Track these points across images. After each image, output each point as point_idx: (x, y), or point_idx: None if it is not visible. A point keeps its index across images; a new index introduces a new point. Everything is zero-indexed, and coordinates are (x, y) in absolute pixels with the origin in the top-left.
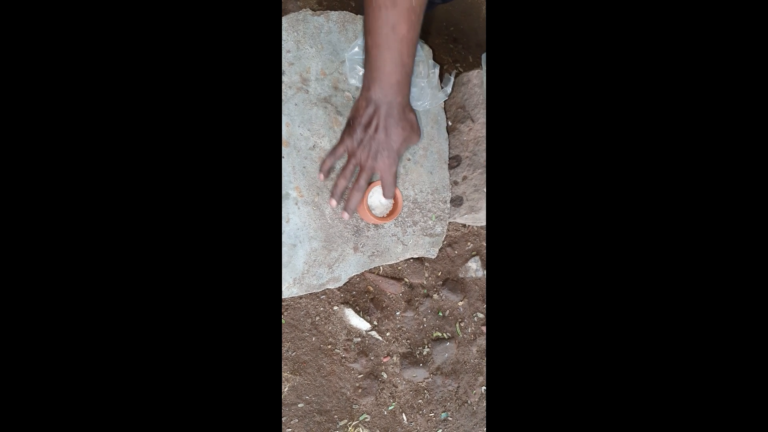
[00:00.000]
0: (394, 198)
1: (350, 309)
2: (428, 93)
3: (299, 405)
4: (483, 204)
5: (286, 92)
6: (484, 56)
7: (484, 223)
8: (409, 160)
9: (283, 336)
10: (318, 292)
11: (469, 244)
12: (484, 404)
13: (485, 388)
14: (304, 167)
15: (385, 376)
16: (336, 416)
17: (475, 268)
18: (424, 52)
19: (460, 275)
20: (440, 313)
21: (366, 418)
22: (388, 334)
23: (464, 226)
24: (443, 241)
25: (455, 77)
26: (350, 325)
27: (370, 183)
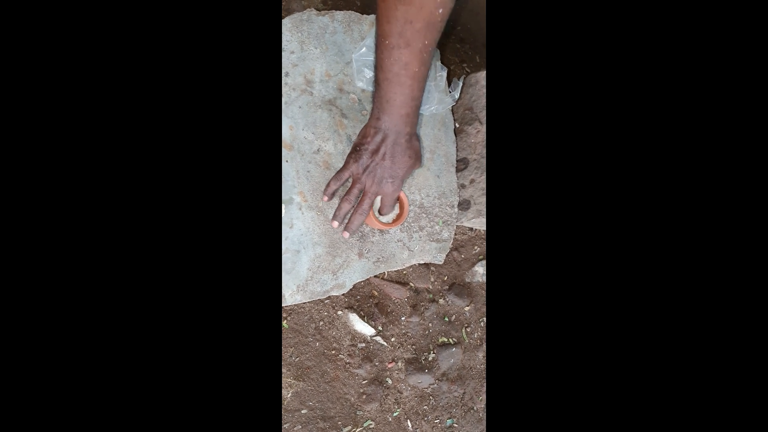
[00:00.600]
0: (400, 203)
1: (354, 314)
2: (435, 97)
3: (302, 411)
4: None
5: (290, 94)
6: None
7: None
8: None
9: (287, 341)
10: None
11: (476, 247)
12: None
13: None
14: (308, 171)
15: (389, 381)
16: (340, 422)
17: (482, 273)
18: None
19: (467, 280)
20: (446, 319)
21: (370, 424)
22: (393, 339)
23: (471, 229)
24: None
25: (463, 79)
26: (354, 330)
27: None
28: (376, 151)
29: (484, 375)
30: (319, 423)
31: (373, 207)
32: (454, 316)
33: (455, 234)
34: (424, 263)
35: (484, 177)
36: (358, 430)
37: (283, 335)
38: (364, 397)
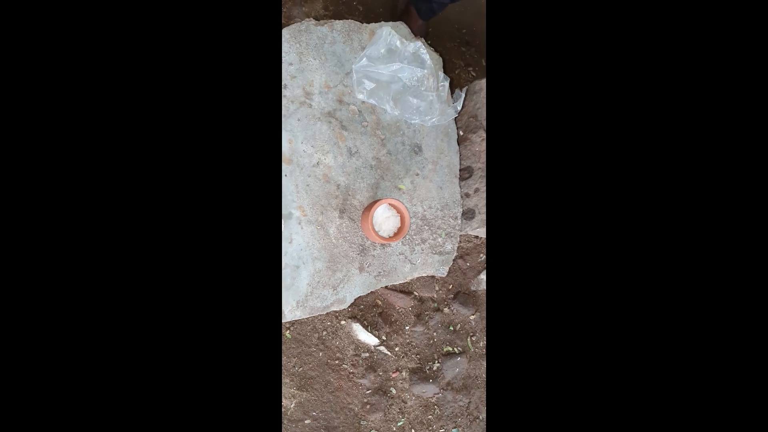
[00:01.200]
0: (401, 217)
1: (358, 324)
2: (437, 108)
3: (306, 422)
4: None
5: (289, 107)
6: None
7: None
8: (417, 175)
9: (290, 351)
10: None
11: (481, 255)
12: None
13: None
14: (307, 185)
15: (393, 391)
16: None
17: None
18: (434, 62)
19: (472, 288)
20: (451, 327)
21: None
22: (397, 349)
23: (476, 237)
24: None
25: (467, 85)
26: (358, 340)
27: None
28: None
29: None
30: None
31: (373, 221)
32: (459, 325)
33: (460, 242)
34: None
35: None
36: None
37: (287, 345)
38: (368, 407)
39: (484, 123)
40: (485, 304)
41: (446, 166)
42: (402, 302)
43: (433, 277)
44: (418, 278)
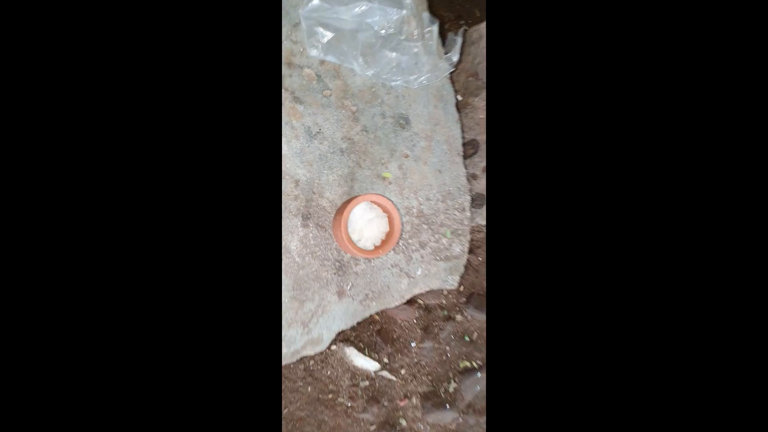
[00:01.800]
0: (388, 217)
1: (352, 347)
2: (425, 62)
3: None
4: None
5: None
6: None
7: None
8: (407, 156)
9: None
10: None
11: None
12: None
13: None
14: None
15: (404, 423)
16: None
17: None
18: (414, 1)
19: None
20: (466, 338)
21: None
22: (402, 371)
23: None
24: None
25: (462, 35)
26: (354, 366)
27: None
28: None
29: None
30: None
31: (349, 227)
32: (475, 334)
33: (471, 232)
34: None
35: None
36: None
37: None
38: None
39: None
40: None
41: (444, 142)
42: (404, 314)
43: None
44: None
